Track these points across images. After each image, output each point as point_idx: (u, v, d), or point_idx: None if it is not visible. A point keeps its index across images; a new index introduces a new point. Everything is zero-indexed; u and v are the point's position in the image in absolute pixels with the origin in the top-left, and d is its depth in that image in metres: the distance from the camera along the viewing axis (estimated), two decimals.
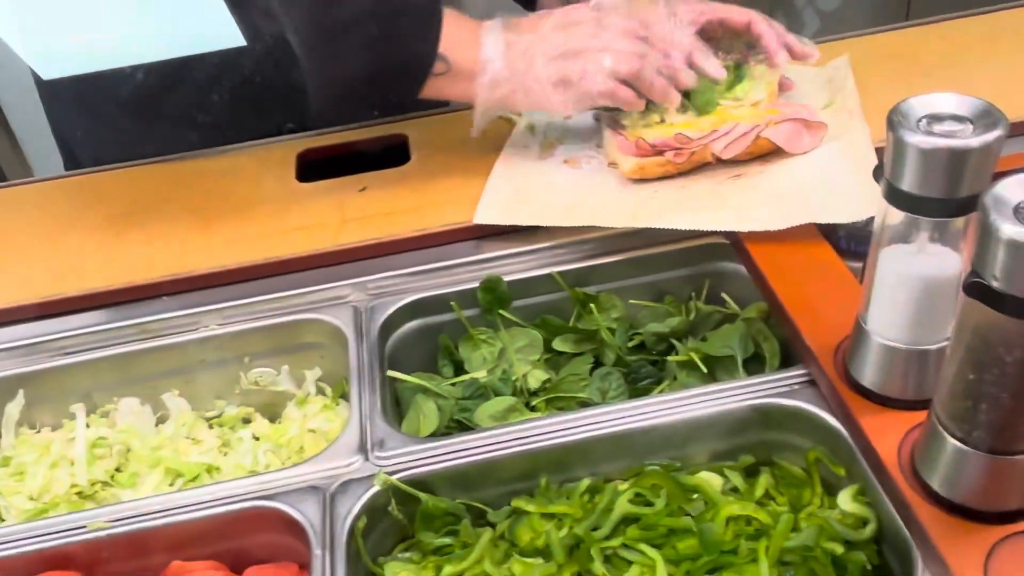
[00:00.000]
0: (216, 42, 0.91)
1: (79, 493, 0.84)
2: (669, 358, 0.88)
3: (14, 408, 0.88)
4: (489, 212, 0.94)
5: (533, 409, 0.88)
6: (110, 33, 0.89)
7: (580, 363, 0.90)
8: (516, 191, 0.97)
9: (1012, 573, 0.57)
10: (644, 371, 0.89)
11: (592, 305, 0.92)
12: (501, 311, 0.92)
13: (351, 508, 0.71)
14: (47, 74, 0.93)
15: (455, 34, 0.91)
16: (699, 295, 0.95)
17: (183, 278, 0.94)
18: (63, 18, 0.86)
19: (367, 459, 0.75)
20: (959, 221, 0.60)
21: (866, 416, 0.68)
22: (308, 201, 1.03)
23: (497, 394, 0.89)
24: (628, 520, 0.72)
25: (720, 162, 0.95)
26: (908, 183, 0.59)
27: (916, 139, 0.57)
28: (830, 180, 0.91)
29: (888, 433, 0.66)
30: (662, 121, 0.95)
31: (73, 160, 1.19)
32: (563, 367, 0.91)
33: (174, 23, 0.88)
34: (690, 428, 0.75)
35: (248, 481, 0.74)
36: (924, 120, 0.58)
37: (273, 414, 0.94)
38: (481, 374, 0.90)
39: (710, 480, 0.75)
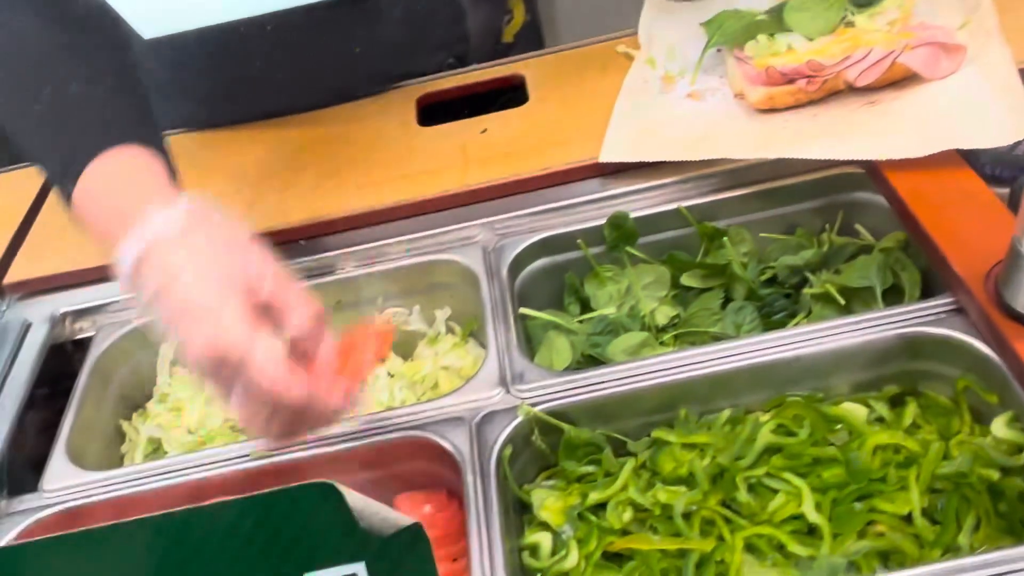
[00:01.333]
0: None
1: (232, 427, 0.88)
2: (804, 291, 0.87)
3: (167, 349, 0.93)
4: (615, 149, 0.94)
5: (664, 345, 0.89)
6: None
7: (710, 298, 0.90)
8: (640, 126, 0.96)
9: None
10: (778, 304, 0.88)
11: (722, 239, 0.91)
12: (628, 247, 0.92)
13: (497, 437, 0.73)
14: (148, 33, 0.93)
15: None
16: (832, 227, 0.93)
17: (317, 223, 0.97)
18: None
19: (508, 392, 0.77)
20: None
21: (1022, 342, 0.66)
22: (431, 144, 1.04)
23: (626, 330, 0.89)
24: (771, 450, 0.72)
25: (852, 89, 0.92)
26: None
27: None
28: (971, 104, 0.87)
29: None
30: (790, 48, 0.92)
31: (196, 120, 1.20)
32: (691, 303, 0.91)
33: None
34: (833, 359, 0.74)
35: (399, 411, 0.76)
36: None
37: (405, 352, 0.97)
38: (610, 310, 0.90)
39: (854, 411, 0.74)
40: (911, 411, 0.73)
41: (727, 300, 0.90)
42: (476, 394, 0.77)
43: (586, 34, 1.13)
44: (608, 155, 0.93)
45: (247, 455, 0.75)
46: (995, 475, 0.65)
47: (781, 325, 0.86)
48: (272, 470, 0.73)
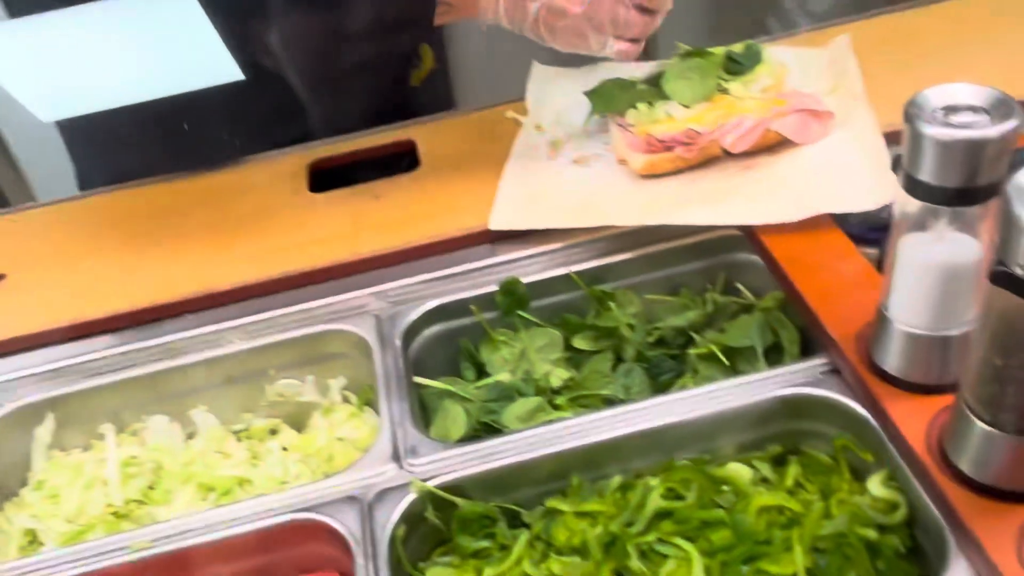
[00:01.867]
0: (215, 78, 0.90)
1: (114, 513, 0.84)
2: (689, 351, 0.89)
3: (44, 432, 0.89)
4: (503, 217, 0.95)
5: (557, 408, 0.89)
6: (108, 73, 0.89)
7: (601, 360, 0.91)
8: (528, 194, 0.98)
9: None
10: (665, 365, 0.90)
11: (610, 302, 0.93)
12: (520, 312, 0.93)
13: (389, 516, 0.72)
14: (46, 117, 0.93)
15: None
16: (715, 287, 0.96)
17: (205, 295, 0.95)
18: (59, 60, 0.86)
19: (401, 467, 0.76)
20: (977, 208, 0.62)
21: (892, 402, 0.69)
22: (322, 212, 1.04)
23: (521, 394, 0.90)
24: (661, 515, 0.73)
25: (730, 154, 0.96)
26: (927, 174, 0.60)
27: (934, 131, 0.58)
28: (841, 169, 0.92)
29: (915, 418, 0.68)
30: (669, 116, 0.95)
31: (87, 181, 1.19)
32: (584, 365, 0.92)
33: (171, 61, 0.88)
34: (718, 421, 0.76)
35: (287, 494, 0.75)
36: (940, 111, 0.59)
37: (300, 424, 0.95)
38: (504, 376, 0.91)
39: (740, 471, 0.76)
40: (793, 471, 0.75)
41: (619, 360, 0.92)
42: (368, 471, 0.76)
43: (493, 88, 1.15)
44: (497, 223, 0.95)
45: (127, 547, 0.72)
46: (873, 534, 0.68)
47: (669, 385, 0.89)
48: (154, 563, 0.71)
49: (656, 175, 0.96)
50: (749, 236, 0.91)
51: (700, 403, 0.77)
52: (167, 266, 0.99)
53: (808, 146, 0.96)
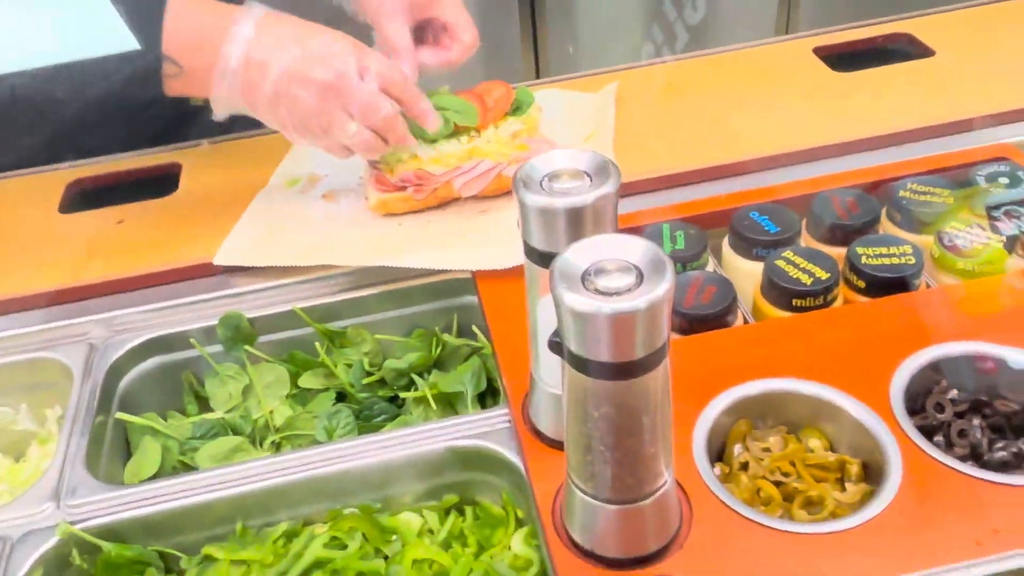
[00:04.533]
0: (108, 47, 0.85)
1: None
2: (402, 395, 0.89)
3: None
4: (230, 254, 0.94)
5: (279, 447, 0.88)
6: None
7: (321, 400, 0.90)
8: (266, 229, 0.97)
9: None
10: (377, 407, 0.89)
11: (337, 340, 0.92)
12: (248, 347, 0.92)
13: (25, 560, 0.70)
14: None
15: (196, 23, 0.87)
16: (449, 329, 0.95)
17: None
18: None
19: (59, 507, 0.74)
20: None
21: (534, 460, 0.70)
22: (63, 234, 1.01)
23: (237, 432, 0.88)
24: (319, 564, 0.72)
25: (468, 198, 0.96)
26: (536, 240, 0.60)
27: (534, 199, 0.59)
28: None
29: (550, 477, 0.68)
30: (414, 156, 0.95)
31: None
32: (309, 403, 0.91)
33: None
34: (387, 470, 0.76)
35: None
36: (546, 179, 0.60)
37: (18, 453, 0.93)
38: (217, 414, 0.89)
39: (409, 521, 0.76)
40: (453, 522, 0.75)
41: (340, 400, 0.91)
42: (22, 510, 0.74)
43: None
44: (223, 259, 0.93)
45: None
46: None
47: (378, 428, 0.88)
48: None
49: (393, 214, 0.95)
50: (476, 280, 0.91)
51: (370, 451, 0.76)
52: None
53: None
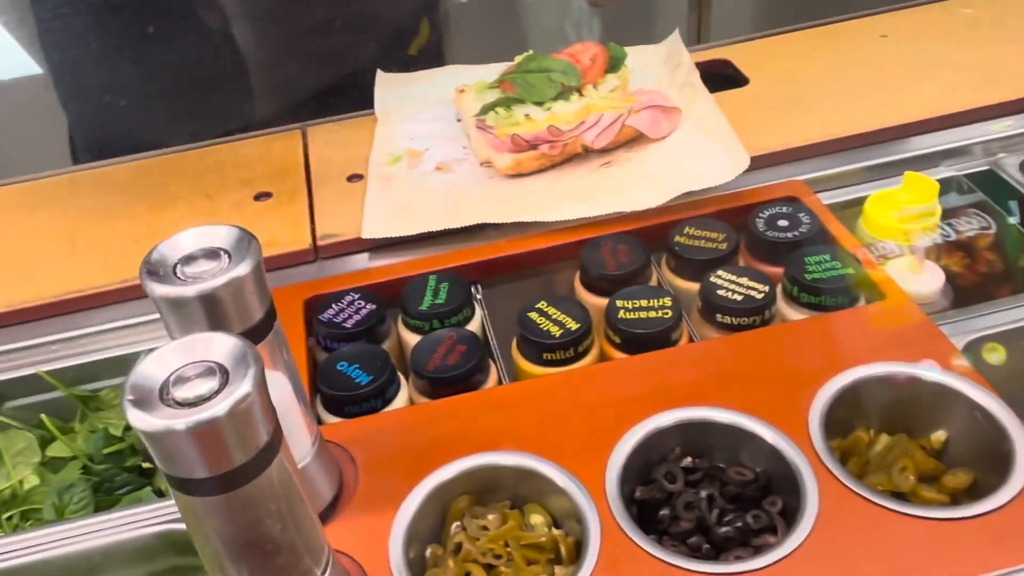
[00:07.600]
0: None
1: None
2: (146, 464, 0.82)
3: None
4: (376, 225, 0.93)
5: (18, 522, 0.79)
6: None
7: (71, 470, 0.82)
8: (395, 206, 0.96)
9: None
10: (119, 480, 0.80)
11: (92, 403, 0.86)
12: None
13: None
14: None
15: None
16: None
17: None
18: None
19: None
20: None
21: None
22: None
23: None
24: None
25: (588, 152, 0.98)
26: (174, 331, 0.53)
27: (164, 290, 0.51)
28: (692, 154, 0.95)
29: None
30: (528, 117, 0.97)
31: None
32: (61, 471, 0.83)
33: None
34: (85, 558, 0.67)
35: None
36: (180, 263, 0.53)
37: None
38: None
39: None
40: None
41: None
42: None
43: (483, 60, 1.14)
44: (370, 231, 0.93)
45: None
46: None
47: (116, 502, 0.79)
48: None
49: (521, 174, 0.99)
50: None
51: (67, 537, 0.67)
52: None
53: (658, 141, 0.97)
